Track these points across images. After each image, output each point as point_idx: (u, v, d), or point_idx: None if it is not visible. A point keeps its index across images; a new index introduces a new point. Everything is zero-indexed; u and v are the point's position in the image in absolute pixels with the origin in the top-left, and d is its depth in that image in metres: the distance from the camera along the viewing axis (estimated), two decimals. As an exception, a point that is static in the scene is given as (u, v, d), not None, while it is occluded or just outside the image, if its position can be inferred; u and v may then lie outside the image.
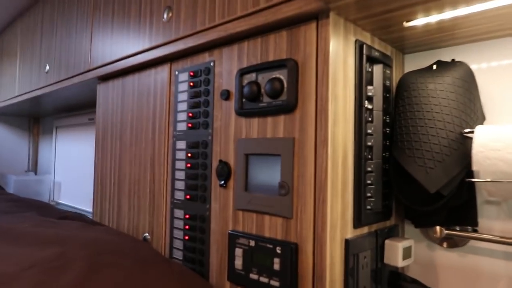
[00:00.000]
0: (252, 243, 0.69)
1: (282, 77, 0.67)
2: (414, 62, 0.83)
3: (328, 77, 0.60)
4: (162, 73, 0.95)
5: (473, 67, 0.74)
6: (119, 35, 1.09)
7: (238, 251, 0.71)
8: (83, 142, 1.99)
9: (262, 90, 0.70)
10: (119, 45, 1.08)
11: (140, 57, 0.98)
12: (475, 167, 0.59)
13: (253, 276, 0.68)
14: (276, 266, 0.64)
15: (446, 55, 0.78)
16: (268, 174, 0.69)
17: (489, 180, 0.59)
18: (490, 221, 0.72)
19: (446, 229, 0.72)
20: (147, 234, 0.96)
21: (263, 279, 0.66)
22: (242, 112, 0.73)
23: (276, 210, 0.66)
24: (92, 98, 1.34)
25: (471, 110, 0.67)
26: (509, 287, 0.69)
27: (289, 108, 0.65)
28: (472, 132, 0.63)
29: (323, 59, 0.61)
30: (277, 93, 0.66)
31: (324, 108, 0.60)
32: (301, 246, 0.63)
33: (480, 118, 0.70)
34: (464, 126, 0.66)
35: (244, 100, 0.73)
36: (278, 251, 0.64)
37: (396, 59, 0.81)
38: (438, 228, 0.73)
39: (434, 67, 0.74)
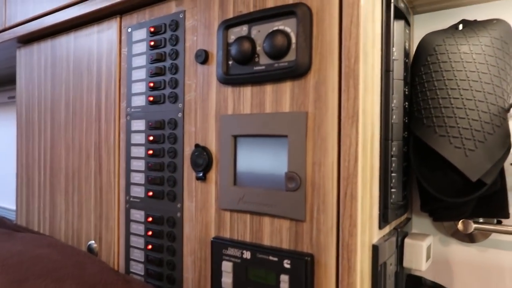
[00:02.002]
0: (247, 254, 0.51)
1: (288, 30, 0.49)
2: (426, 25, 0.69)
3: (359, 26, 0.44)
4: (108, 31, 0.72)
5: (501, 29, 0.62)
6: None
7: (227, 265, 0.53)
8: (2, 126, 1.64)
9: (258, 48, 0.51)
10: (46, -6, 0.82)
11: (76, 10, 0.74)
12: None
13: (250, 298, 0.51)
14: (284, 286, 0.48)
15: (465, 16, 0.65)
16: (268, 162, 0.51)
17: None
18: (518, 210, 0.61)
19: (475, 223, 0.61)
20: (92, 242, 0.74)
21: (265, 302, 0.50)
22: (228, 79, 0.54)
23: (282, 210, 0.49)
24: (12, 69, 1.05)
25: (511, 79, 0.55)
26: (538, 285, 0.60)
27: (299, 71, 0.47)
28: None
29: (351, 2, 0.44)
30: (281, 52, 0.48)
31: (354, 69, 0.44)
32: (319, 257, 0.47)
33: (513, 90, 0.58)
34: (505, 98, 0.54)
35: (230, 62, 0.54)
36: (287, 266, 0.48)
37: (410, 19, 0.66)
38: (463, 222, 0.62)
39: (460, 27, 0.61)
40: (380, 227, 0.51)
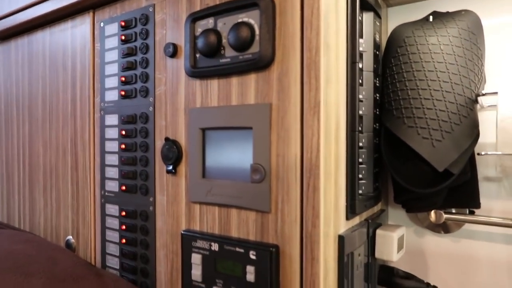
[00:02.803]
0: (215, 246, 0.52)
1: (252, 22, 0.49)
2: (400, 17, 0.69)
3: (320, 17, 0.44)
4: (82, 25, 0.72)
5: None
6: (20, -23, 0.82)
7: (196, 257, 0.53)
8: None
9: (224, 41, 0.51)
10: (21, -11, 0.81)
11: (50, 5, 0.73)
12: (503, 136, 0.47)
13: (218, 290, 0.51)
14: (250, 277, 0.48)
15: (438, 8, 0.65)
16: (234, 154, 0.51)
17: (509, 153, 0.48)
18: (489, 201, 0.62)
19: (446, 213, 0.62)
20: (70, 237, 0.74)
21: (232, 294, 0.50)
22: (196, 72, 0.54)
23: (248, 201, 0.49)
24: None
25: (479, 69, 0.56)
26: (509, 274, 0.60)
27: (263, 63, 0.47)
28: (481, 95, 0.52)
29: (311, -7, 0.44)
30: (245, 44, 0.48)
31: (315, 61, 0.44)
32: (284, 248, 0.47)
33: (483, 80, 0.59)
34: (472, 88, 0.54)
35: (198, 55, 0.54)
36: (252, 257, 0.48)
37: (382, 12, 0.66)
38: (435, 212, 0.62)
39: (431, 18, 0.61)
40: (348, 218, 0.51)
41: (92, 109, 0.70)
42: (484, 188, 0.62)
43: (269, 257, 0.47)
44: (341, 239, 0.48)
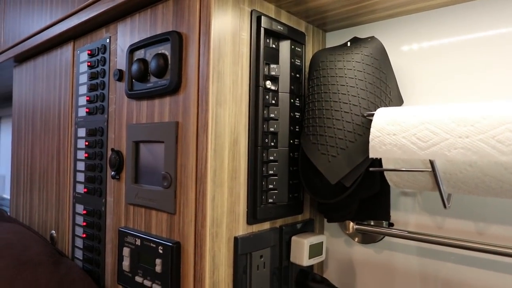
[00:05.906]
0: (138, 241, 0.61)
1: (167, 53, 0.58)
2: (336, 41, 0.75)
3: (210, 50, 0.52)
4: (66, 53, 0.85)
5: (392, 45, 0.67)
6: (26, 11, 0.98)
7: (126, 251, 0.63)
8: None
9: (150, 69, 0.61)
10: (27, 22, 0.97)
11: (44, 35, 0.88)
12: (371, 154, 0.52)
13: (138, 279, 0.60)
14: (158, 268, 0.56)
15: (370, 33, 0.71)
16: (155, 164, 0.60)
17: (390, 169, 0.53)
18: (406, 214, 0.65)
19: (357, 224, 0.66)
20: (53, 231, 0.87)
21: (147, 283, 0.58)
22: (131, 94, 0.64)
23: (160, 204, 0.58)
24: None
25: (382, 91, 0.60)
26: (422, 285, 0.63)
27: (173, 88, 0.56)
28: (366, 115, 0.57)
29: (204, 30, 0.53)
30: (161, 72, 0.58)
31: (205, 86, 0.52)
32: (184, 245, 0.55)
33: (395, 101, 0.63)
34: (372, 109, 0.59)
35: (133, 80, 0.64)
36: (160, 251, 0.57)
37: (315, 37, 0.73)
38: (348, 223, 0.67)
39: (349, 44, 0.66)
40: (249, 222, 0.58)
41: (70, 122, 0.83)
42: (402, 203, 0.66)
43: (171, 251, 0.55)
44: (236, 240, 0.55)
